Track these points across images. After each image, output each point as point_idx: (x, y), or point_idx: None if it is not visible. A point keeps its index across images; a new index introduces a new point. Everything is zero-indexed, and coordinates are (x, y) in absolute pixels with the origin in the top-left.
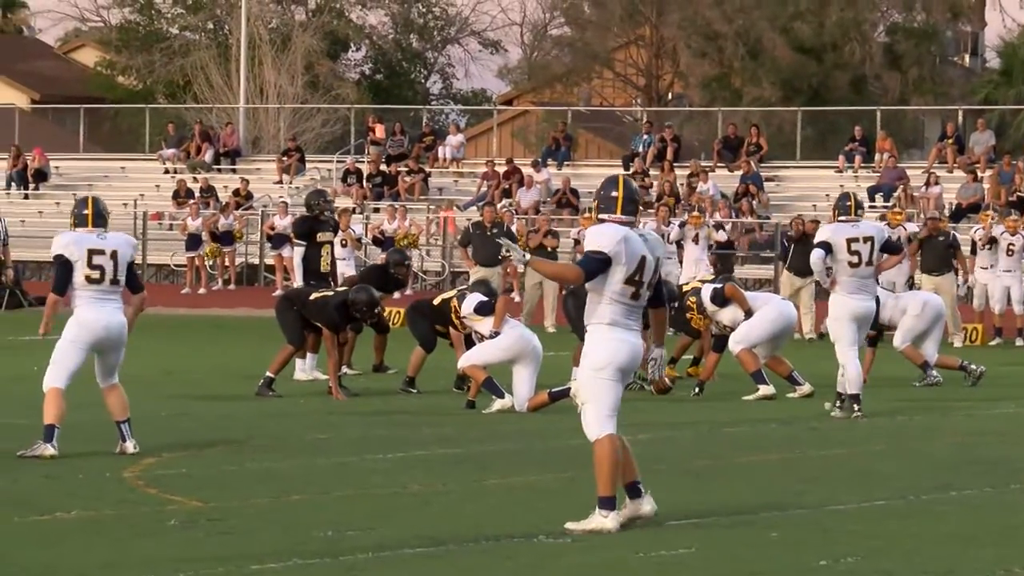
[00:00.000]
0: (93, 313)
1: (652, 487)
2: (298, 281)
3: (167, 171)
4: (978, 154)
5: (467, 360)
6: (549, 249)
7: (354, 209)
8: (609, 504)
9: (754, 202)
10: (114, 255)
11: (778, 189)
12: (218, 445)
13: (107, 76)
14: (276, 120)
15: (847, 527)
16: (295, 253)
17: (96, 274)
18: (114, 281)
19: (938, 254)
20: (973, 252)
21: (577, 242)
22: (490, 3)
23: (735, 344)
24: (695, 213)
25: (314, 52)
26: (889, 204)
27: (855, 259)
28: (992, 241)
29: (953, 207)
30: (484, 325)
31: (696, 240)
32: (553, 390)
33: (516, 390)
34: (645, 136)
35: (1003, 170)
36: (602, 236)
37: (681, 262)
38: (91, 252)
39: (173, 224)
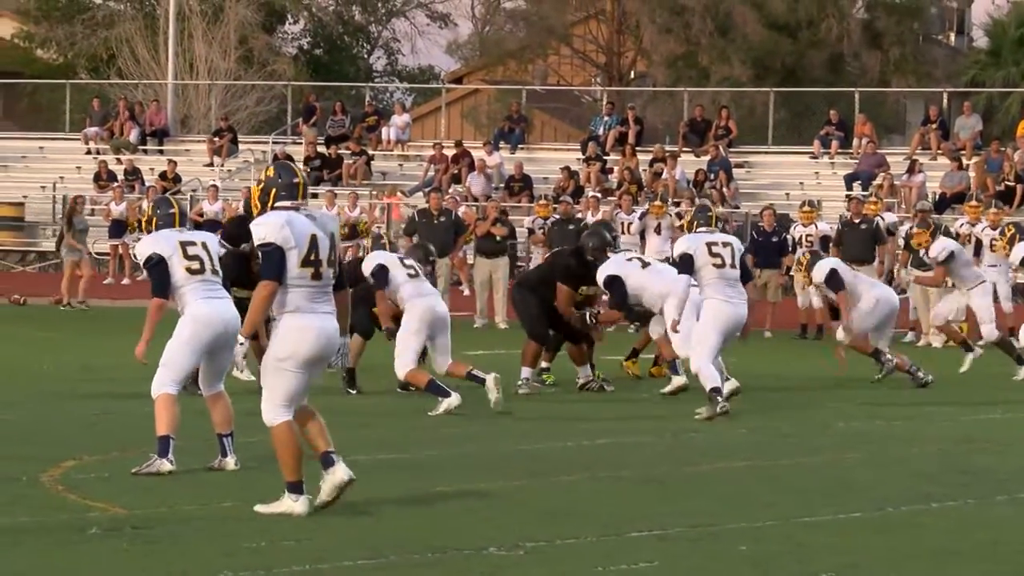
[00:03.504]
0: (209, 307)
1: (612, 495)
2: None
3: (89, 151)
4: (964, 140)
5: (402, 368)
6: (498, 238)
7: None
8: (297, 488)
9: (724, 190)
10: (204, 246)
11: (748, 176)
12: (143, 447)
13: (25, 49)
14: (207, 98)
15: (821, 541)
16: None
17: (196, 264)
18: (215, 271)
19: (860, 241)
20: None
21: (531, 231)
22: None
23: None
24: (657, 203)
25: (248, 24)
26: (867, 193)
27: (718, 260)
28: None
29: (937, 196)
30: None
31: (658, 231)
32: (474, 371)
33: (436, 362)
34: (606, 118)
35: (990, 157)
36: (264, 227)
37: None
38: (183, 244)
39: (95, 209)
